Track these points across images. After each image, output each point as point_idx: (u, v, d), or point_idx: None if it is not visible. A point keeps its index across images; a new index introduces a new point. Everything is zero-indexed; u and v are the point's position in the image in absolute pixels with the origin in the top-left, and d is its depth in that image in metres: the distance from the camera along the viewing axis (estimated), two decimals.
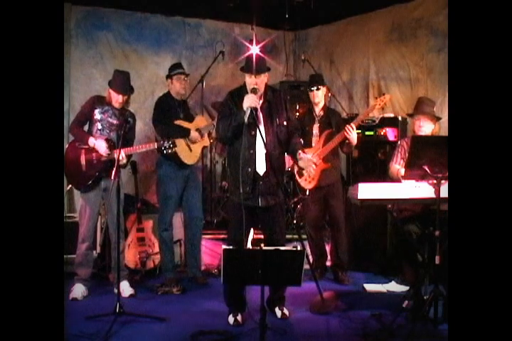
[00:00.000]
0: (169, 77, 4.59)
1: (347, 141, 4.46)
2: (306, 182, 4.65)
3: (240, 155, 3.42)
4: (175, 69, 4.62)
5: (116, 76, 4.22)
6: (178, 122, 4.48)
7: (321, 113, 4.71)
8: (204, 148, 4.71)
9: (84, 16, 5.60)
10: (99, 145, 4.08)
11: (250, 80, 3.48)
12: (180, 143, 4.40)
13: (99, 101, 4.21)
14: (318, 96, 4.66)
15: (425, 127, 3.94)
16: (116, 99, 4.17)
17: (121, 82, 4.18)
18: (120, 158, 3.86)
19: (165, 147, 4.02)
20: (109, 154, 4.07)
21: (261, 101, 3.54)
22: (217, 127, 3.61)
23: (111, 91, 4.17)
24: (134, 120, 4.33)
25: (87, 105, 4.23)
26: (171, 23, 6.08)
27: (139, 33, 5.90)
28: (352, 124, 4.37)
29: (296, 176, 4.69)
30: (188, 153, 4.50)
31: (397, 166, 3.92)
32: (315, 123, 4.69)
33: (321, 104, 4.70)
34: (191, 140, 4.50)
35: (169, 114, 4.50)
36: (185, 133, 4.46)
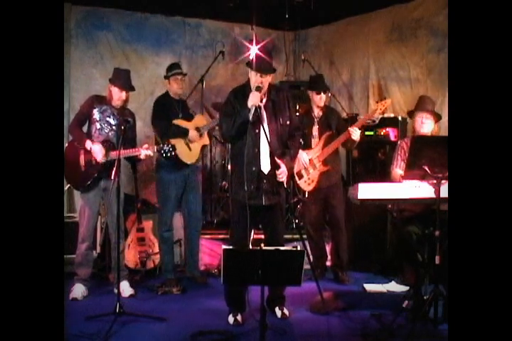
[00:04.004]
0: (167, 77, 4.61)
1: (350, 140, 4.47)
2: (306, 184, 4.65)
3: (244, 154, 3.42)
4: (172, 69, 4.63)
5: (117, 73, 4.24)
6: (176, 121, 4.48)
7: (320, 113, 4.71)
8: (204, 147, 4.69)
9: (84, 16, 5.60)
10: (95, 149, 4.06)
11: (256, 78, 3.48)
12: (180, 142, 4.40)
13: (98, 100, 4.21)
14: (324, 99, 4.67)
15: (427, 124, 3.93)
16: (119, 96, 4.17)
17: (124, 79, 4.19)
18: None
19: (164, 150, 4.00)
20: (105, 158, 4.06)
21: (264, 100, 3.55)
22: (221, 126, 3.62)
23: (113, 88, 4.17)
24: (133, 119, 4.32)
25: (86, 105, 4.22)
26: (171, 23, 6.08)
27: (139, 33, 5.90)
28: (354, 127, 4.39)
29: (296, 178, 4.67)
30: (188, 152, 4.50)
31: (399, 171, 3.87)
32: (314, 124, 4.69)
33: (321, 105, 4.70)
34: (190, 139, 4.48)
35: (168, 114, 4.50)
36: (183, 132, 4.46)
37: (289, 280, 2.97)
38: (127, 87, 4.20)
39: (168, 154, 4.02)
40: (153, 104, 4.61)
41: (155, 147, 4.07)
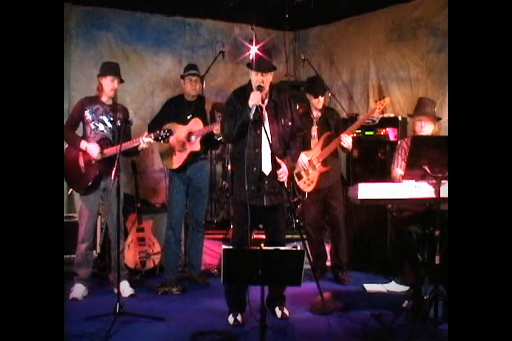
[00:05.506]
0: (182, 77, 4.63)
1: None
2: (305, 185, 4.64)
3: (245, 155, 3.42)
4: (187, 70, 4.65)
5: (106, 65, 4.26)
6: (168, 126, 4.37)
7: (319, 114, 4.71)
8: (192, 153, 4.44)
9: (84, 16, 5.59)
10: (91, 148, 4.08)
11: (257, 78, 3.48)
12: (165, 146, 4.39)
13: (88, 101, 4.21)
14: (322, 102, 4.66)
15: (426, 127, 3.95)
16: (111, 86, 4.16)
17: (114, 69, 4.21)
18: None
19: (162, 136, 4.03)
20: (100, 156, 4.07)
21: (266, 101, 3.55)
22: (223, 126, 3.62)
23: (104, 80, 4.17)
24: (127, 114, 4.34)
25: (76, 108, 4.25)
26: (171, 23, 6.08)
27: (139, 33, 5.89)
28: (345, 134, 4.39)
29: (295, 178, 4.66)
30: (171, 157, 4.47)
31: (399, 171, 3.89)
32: (313, 125, 4.68)
33: (319, 108, 4.70)
34: (172, 148, 4.44)
35: (170, 116, 4.49)
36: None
37: (289, 280, 2.97)
38: (117, 74, 4.20)
39: (166, 140, 4.10)
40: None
41: (152, 135, 4.06)
